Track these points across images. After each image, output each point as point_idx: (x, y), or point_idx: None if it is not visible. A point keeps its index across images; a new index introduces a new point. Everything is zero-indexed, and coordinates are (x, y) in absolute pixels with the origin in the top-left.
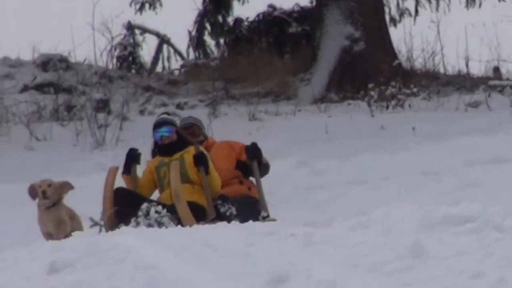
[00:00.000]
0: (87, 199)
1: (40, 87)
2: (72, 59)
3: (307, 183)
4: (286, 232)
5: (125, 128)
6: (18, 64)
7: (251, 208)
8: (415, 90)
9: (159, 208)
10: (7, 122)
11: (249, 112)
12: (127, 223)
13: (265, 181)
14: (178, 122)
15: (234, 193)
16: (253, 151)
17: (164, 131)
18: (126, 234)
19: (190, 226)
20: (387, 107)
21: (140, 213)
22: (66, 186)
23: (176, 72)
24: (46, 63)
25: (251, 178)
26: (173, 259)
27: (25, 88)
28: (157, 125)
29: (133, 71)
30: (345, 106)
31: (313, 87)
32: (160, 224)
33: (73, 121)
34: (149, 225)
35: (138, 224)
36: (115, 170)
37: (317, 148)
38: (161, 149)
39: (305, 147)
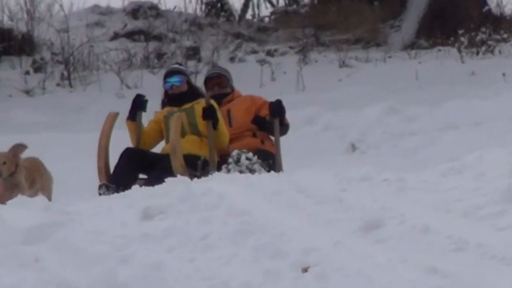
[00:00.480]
0: None
1: (130, 35)
2: (162, 6)
3: (398, 129)
4: (379, 177)
5: None
6: (108, 12)
7: (263, 161)
8: (505, 36)
9: (250, 155)
10: (98, 70)
11: (339, 59)
12: (127, 178)
13: (355, 127)
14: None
15: (246, 146)
16: (277, 107)
17: (174, 80)
18: (219, 180)
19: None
20: (477, 53)
21: (230, 159)
22: (18, 150)
23: (266, 19)
24: (136, 10)
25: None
26: (266, 205)
27: (115, 36)
28: (168, 74)
29: (222, 18)
30: (435, 52)
31: (403, 33)
32: (251, 171)
33: (163, 68)
34: (240, 172)
35: (229, 171)
36: (114, 116)
37: (407, 94)
38: (171, 98)
39: (395, 93)
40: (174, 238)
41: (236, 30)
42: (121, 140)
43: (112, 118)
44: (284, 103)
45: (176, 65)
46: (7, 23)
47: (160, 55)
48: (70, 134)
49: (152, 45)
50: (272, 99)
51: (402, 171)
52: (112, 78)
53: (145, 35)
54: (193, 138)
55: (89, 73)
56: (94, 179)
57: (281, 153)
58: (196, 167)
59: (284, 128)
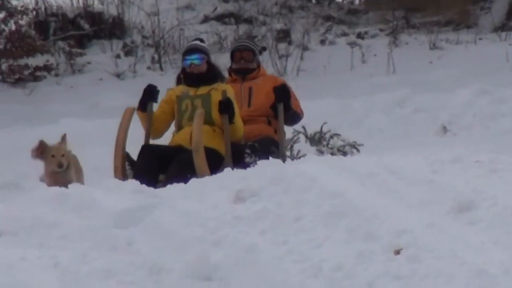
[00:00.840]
0: None
1: (220, 18)
2: None
3: (489, 111)
4: (471, 159)
5: (306, 58)
6: None
7: (269, 149)
8: None
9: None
10: None
11: (429, 41)
12: (152, 179)
13: (446, 109)
14: None
15: (258, 131)
16: (281, 92)
17: (195, 58)
18: (311, 162)
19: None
20: None
21: (324, 142)
22: (66, 142)
23: (357, 2)
24: None
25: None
26: (358, 187)
27: (205, 19)
28: (188, 52)
29: (313, 0)
30: None
31: (493, 15)
32: (344, 154)
33: None
34: (332, 154)
35: (322, 153)
36: (131, 112)
37: (498, 76)
38: (188, 77)
39: (486, 75)
40: (266, 221)
41: (327, 12)
42: (139, 136)
43: (129, 114)
44: (373, 85)
45: (197, 42)
46: (97, 6)
47: (250, 38)
48: None
49: (243, 28)
50: (362, 82)
51: (494, 153)
52: None
53: (236, 18)
54: (206, 128)
55: (179, 56)
56: None
57: (284, 140)
58: (216, 164)
59: (290, 114)
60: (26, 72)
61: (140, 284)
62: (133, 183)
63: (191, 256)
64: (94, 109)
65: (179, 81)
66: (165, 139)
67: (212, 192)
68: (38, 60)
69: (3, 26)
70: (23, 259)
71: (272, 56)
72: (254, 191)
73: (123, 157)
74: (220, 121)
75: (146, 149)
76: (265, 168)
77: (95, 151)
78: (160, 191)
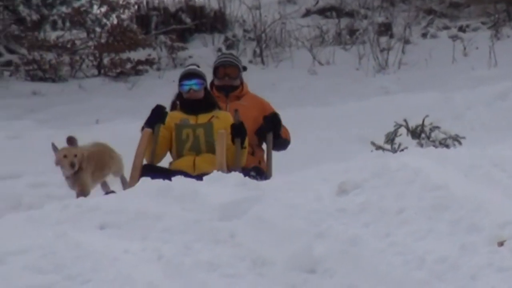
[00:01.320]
0: (365, 121)
1: (322, 11)
2: None
3: None
4: None
5: (407, 51)
6: None
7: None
8: None
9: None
10: (290, 47)
11: None
12: None
13: None
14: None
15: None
16: (271, 122)
17: (193, 83)
18: (414, 154)
19: None
20: None
21: (423, 135)
22: (75, 143)
23: None
24: None
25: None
26: (462, 179)
27: (307, 13)
28: (186, 76)
29: None
30: None
31: None
32: (446, 146)
33: (355, 44)
34: (434, 147)
35: (422, 145)
36: (150, 135)
37: None
38: (186, 104)
39: None
40: (369, 213)
41: (428, 6)
42: None
43: (148, 137)
44: (474, 78)
45: (194, 67)
46: (199, 0)
47: (352, 32)
48: None
49: (344, 21)
50: (464, 75)
51: None
52: (304, 55)
53: (337, 11)
54: (209, 156)
55: (281, 50)
56: (291, 154)
57: (272, 169)
58: None
59: (280, 141)
60: (128, 66)
61: (243, 277)
62: (236, 176)
63: (294, 248)
64: None
65: (173, 107)
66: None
67: (315, 184)
68: (140, 54)
69: (105, 20)
70: (127, 252)
71: (374, 50)
72: (357, 183)
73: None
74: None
75: (150, 167)
76: (369, 161)
77: None
78: (264, 183)
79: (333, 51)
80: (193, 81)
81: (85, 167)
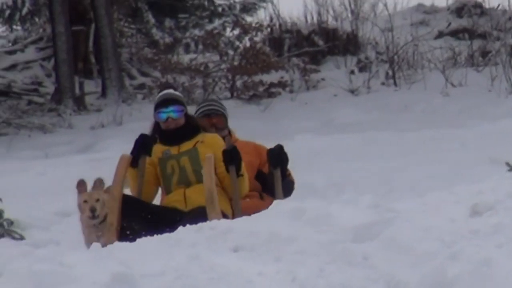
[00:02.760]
0: (498, 142)
1: (454, 33)
2: (486, 5)
3: None
4: None
5: None
6: (433, 11)
7: None
8: None
9: None
10: (423, 68)
11: None
12: (133, 236)
13: None
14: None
15: (254, 209)
16: (277, 155)
17: (171, 111)
18: None
19: None
20: None
21: None
22: (102, 187)
23: None
24: (461, 9)
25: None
26: None
27: (440, 35)
28: (162, 103)
29: None
30: None
31: None
32: None
33: (488, 66)
34: None
35: None
36: (127, 161)
37: None
38: (166, 135)
39: None
40: (503, 234)
41: None
42: None
43: (125, 164)
44: None
45: (171, 91)
46: (331, 23)
47: (484, 53)
48: (395, 132)
49: (476, 43)
50: None
51: None
52: (436, 76)
53: (470, 33)
54: (199, 187)
55: (413, 72)
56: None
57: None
58: None
59: (286, 183)
60: (260, 89)
61: None
62: (368, 198)
63: (427, 270)
64: (329, 125)
65: (152, 141)
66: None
67: (448, 206)
68: (272, 77)
69: (238, 43)
70: (261, 274)
71: (506, 71)
72: (491, 205)
73: (119, 214)
74: (215, 177)
75: (135, 203)
76: (502, 182)
77: (331, 166)
78: (396, 205)
79: (466, 72)
80: (171, 108)
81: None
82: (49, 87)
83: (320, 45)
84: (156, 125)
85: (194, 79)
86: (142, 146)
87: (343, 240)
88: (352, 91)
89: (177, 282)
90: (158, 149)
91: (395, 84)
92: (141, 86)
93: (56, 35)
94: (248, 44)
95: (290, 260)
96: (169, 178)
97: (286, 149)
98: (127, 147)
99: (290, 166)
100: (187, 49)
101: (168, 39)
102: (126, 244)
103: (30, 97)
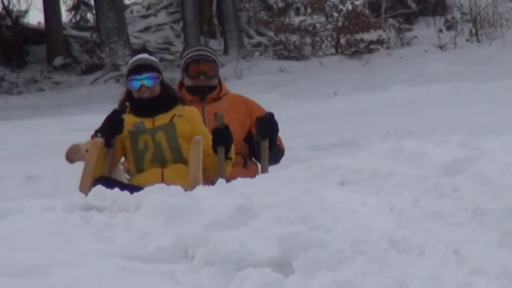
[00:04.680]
0: None
1: None
2: None
3: None
4: None
5: None
6: None
7: None
8: None
9: None
10: (502, 27)
11: None
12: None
13: None
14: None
15: (232, 178)
16: (267, 125)
17: (145, 78)
18: None
19: None
20: None
21: None
22: None
23: None
24: None
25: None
26: None
27: None
28: (135, 69)
29: None
30: None
31: None
32: None
33: None
34: None
35: None
36: (100, 146)
37: None
38: (139, 105)
39: None
40: None
41: None
42: None
43: (98, 149)
44: None
45: (145, 55)
46: None
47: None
48: (478, 82)
49: None
50: None
51: None
52: None
53: None
54: (178, 168)
55: (493, 30)
56: (500, 121)
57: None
58: None
59: (273, 152)
60: (361, 46)
61: (465, 225)
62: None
63: (508, 200)
64: (420, 77)
65: (122, 109)
66: None
67: None
68: (371, 35)
69: (341, 6)
70: (364, 205)
71: None
72: None
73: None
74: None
75: (109, 180)
76: None
77: (423, 112)
78: (481, 144)
79: None
80: (145, 75)
81: None
82: (178, 46)
83: (412, 8)
84: (128, 94)
85: (303, 38)
86: (115, 124)
87: (435, 174)
88: (441, 47)
89: (291, 212)
90: (129, 120)
91: (477, 40)
92: (258, 44)
93: (184, 1)
94: (350, 7)
95: (389, 192)
96: (141, 155)
97: (384, 99)
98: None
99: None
100: (297, 12)
101: (280, 4)
102: (246, 180)
103: (162, 55)
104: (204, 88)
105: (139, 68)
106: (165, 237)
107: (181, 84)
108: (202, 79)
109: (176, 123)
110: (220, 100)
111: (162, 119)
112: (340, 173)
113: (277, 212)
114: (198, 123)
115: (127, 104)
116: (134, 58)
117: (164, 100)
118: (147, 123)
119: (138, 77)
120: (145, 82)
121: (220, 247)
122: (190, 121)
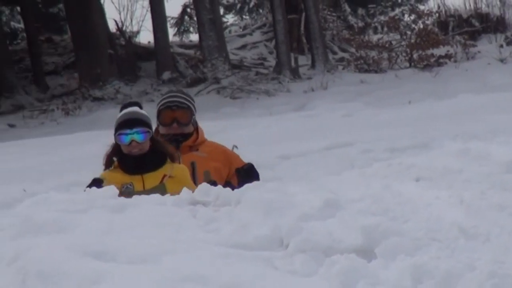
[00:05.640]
0: None
1: None
2: None
3: None
4: None
5: None
6: None
7: None
8: None
9: None
10: None
11: None
12: None
13: None
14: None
15: None
16: (247, 177)
17: (135, 132)
18: None
19: None
20: None
21: None
22: None
23: None
24: None
25: None
26: None
27: None
28: (125, 123)
29: None
30: None
31: None
32: None
33: None
34: None
35: None
36: None
37: None
38: (128, 162)
39: None
40: None
41: None
42: None
43: None
44: None
45: (136, 109)
46: (484, 9)
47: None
48: None
49: None
50: None
51: None
52: None
53: None
54: None
55: None
56: None
57: None
58: None
59: None
60: (432, 60)
61: None
62: None
63: None
64: (484, 87)
65: (109, 164)
66: None
67: None
68: (440, 51)
69: (413, 25)
70: (437, 198)
71: None
72: None
73: None
74: None
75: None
76: None
77: (486, 117)
78: None
79: None
80: (135, 130)
81: None
82: (271, 61)
83: (476, 26)
84: (116, 148)
85: (381, 53)
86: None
87: (499, 171)
88: (501, 60)
89: (373, 205)
90: (117, 178)
91: None
92: (341, 59)
93: (276, 22)
94: (421, 26)
95: (459, 187)
96: None
97: (451, 106)
98: (332, 106)
99: None
100: (375, 31)
101: (360, 24)
102: (333, 177)
103: (257, 69)
104: (178, 136)
105: (130, 123)
106: (263, 228)
107: (157, 132)
108: (175, 127)
109: (167, 184)
110: (196, 149)
111: (152, 178)
112: (416, 171)
113: (361, 205)
114: (189, 184)
115: (115, 159)
116: (124, 111)
117: (154, 157)
118: (137, 183)
119: (128, 131)
120: (135, 137)
121: (311, 236)
122: (180, 182)
